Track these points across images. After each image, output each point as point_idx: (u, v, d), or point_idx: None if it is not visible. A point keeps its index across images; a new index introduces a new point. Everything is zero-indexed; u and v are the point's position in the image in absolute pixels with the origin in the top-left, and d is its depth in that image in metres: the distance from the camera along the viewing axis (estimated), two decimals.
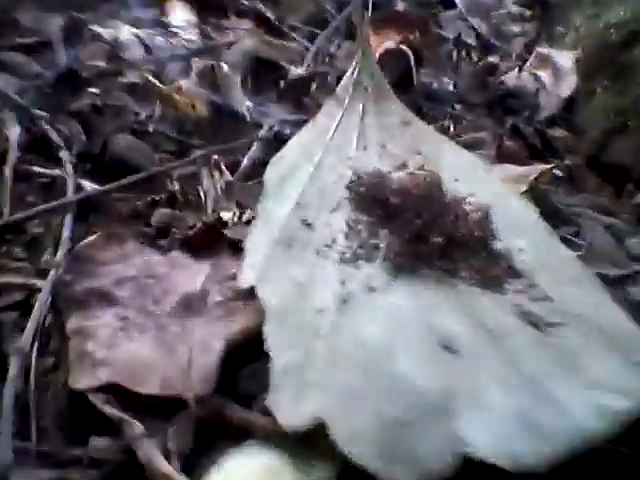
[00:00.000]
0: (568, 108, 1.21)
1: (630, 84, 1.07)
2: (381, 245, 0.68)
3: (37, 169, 0.84)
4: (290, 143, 0.82)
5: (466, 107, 1.24)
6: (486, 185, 0.79)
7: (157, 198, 0.82)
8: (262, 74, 1.20)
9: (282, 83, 1.18)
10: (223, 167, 0.88)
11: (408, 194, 0.72)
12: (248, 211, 0.77)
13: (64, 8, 1.21)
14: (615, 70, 1.11)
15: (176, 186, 0.85)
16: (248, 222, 0.73)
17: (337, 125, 0.87)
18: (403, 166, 0.81)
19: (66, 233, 0.72)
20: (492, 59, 1.46)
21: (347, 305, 0.59)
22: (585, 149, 1.10)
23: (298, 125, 0.91)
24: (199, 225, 0.73)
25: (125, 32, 1.19)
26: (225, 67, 1.10)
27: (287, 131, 0.96)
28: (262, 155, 0.92)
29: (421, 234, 0.65)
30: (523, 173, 0.86)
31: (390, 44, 1.24)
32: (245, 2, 1.44)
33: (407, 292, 0.62)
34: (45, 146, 0.87)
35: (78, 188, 0.80)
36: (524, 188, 0.82)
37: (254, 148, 0.95)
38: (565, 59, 1.33)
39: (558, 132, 1.15)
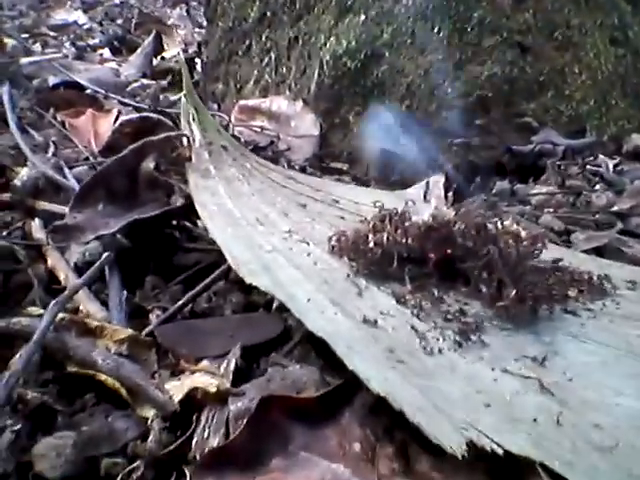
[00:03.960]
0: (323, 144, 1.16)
1: (385, 102, 1.09)
2: (467, 308, 0.50)
3: None
4: (218, 240, 0.54)
5: None
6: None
7: None
8: None
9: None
10: None
11: (427, 241, 0.55)
12: None
13: None
14: (363, 94, 1.11)
15: None
16: None
17: (231, 200, 0.61)
18: (342, 218, 0.63)
19: None
20: None
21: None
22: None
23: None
24: None
25: None
26: None
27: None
28: None
29: (513, 273, 0.50)
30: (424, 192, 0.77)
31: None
32: None
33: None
34: None
35: None
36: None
37: None
38: (278, 104, 1.29)
39: (339, 165, 1.10)
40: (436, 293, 0.52)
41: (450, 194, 0.76)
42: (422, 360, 0.45)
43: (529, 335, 0.49)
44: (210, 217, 0.57)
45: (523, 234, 0.56)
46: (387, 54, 1.07)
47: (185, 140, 0.65)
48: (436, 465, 0.39)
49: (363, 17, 1.09)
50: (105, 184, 0.63)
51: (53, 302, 0.52)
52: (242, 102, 1.37)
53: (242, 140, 1.21)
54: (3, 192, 0.83)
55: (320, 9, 1.17)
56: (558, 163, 0.98)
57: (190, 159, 0.63)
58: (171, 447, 0.43)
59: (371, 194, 0.71)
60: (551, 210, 0.82)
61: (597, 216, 0.82)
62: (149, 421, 0.45)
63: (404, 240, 0.54)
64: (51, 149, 0.92)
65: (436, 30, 1.02)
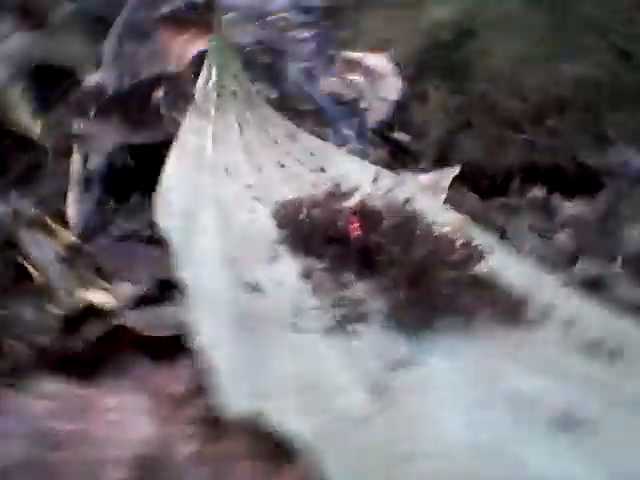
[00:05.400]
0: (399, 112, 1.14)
1: (464, 82, 1.05)
2: (366, 298, 0.50)
3: None
4: (165, 178, 0.59)
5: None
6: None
7: None
8: (43, 83, 0.89)
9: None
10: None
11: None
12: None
13: None
14: (446, 69, 1.07)
15: None
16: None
17: (213, 144, 0.65)
18: (315, 187, 0.64)
19: None
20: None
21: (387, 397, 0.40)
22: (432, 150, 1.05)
23: (146, 150, 0.67)
24: None
25: None
26: None
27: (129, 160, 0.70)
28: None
29: (418, 276, 0.49)
30: (433, 180, 0.76)
31: None
32: None
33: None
34: None
35: None
36: (443, 196, 0.72)
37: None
38: (376, 61, 1.28)
39: (401, 136, 1.08)
40: (344, 278, 0.53)
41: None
42: (284, 336, 0.47)
43: (403, 339, 0.48)
44: (177, 155, 0.61)
45: (458, 243, 0.54)
46: (480, 34, 1.02)
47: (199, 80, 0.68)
48: None
49: None
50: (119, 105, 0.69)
51: None
52: (346, 53, 1.37)
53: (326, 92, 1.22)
54: None
55: None
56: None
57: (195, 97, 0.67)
58: None
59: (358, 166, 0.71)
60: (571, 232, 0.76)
61: None
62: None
63: (335, 220, 0.55)
64: None
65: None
